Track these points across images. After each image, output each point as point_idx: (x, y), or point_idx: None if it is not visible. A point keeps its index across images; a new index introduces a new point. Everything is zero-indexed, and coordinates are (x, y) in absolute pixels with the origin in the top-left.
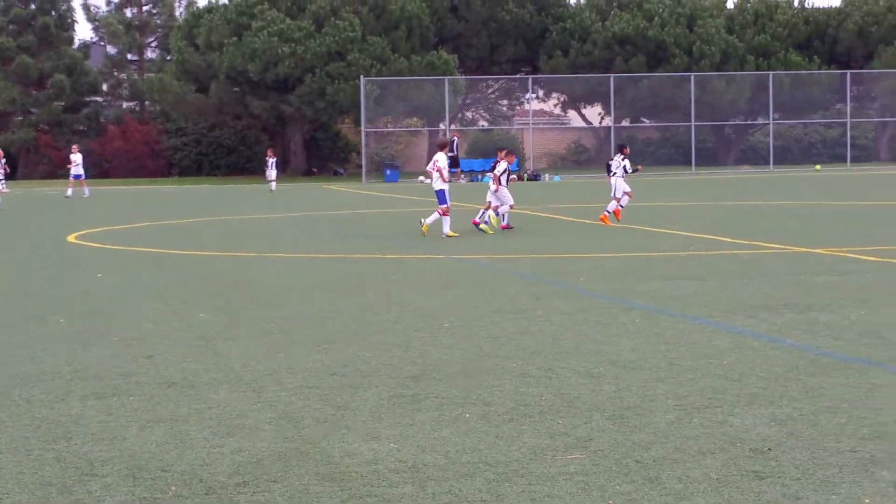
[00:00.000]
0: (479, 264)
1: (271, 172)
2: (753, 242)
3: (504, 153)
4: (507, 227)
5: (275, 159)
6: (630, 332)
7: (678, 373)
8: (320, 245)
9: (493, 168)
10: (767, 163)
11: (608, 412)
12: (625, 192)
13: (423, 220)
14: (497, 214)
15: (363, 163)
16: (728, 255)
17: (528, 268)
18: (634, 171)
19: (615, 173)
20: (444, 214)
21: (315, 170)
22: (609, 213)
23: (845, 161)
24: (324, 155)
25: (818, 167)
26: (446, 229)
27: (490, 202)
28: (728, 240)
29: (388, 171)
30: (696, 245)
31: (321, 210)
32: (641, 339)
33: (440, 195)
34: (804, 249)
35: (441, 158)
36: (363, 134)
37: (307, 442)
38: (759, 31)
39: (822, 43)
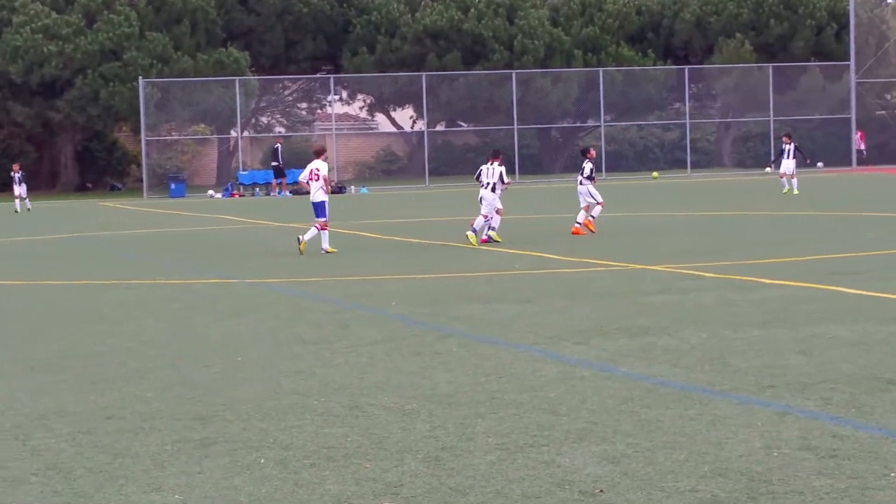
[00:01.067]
0: (277, 289)
1: (20, 188)
2: (583, 259)
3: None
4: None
5: (21, 174)
6: (446, 362)
7: (500, 408)
8: (93, 270)
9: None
10: (599, 170)
11: (422, 454)
12: (597, 202)
13: (300, 237)
14: (476, 230)
15: (144, 176)
16: (555, 274)
17: (333, 292)
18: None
19: (581, 181)
20: (323, 228)
21: (89, 185)
22: (580, 225)
23: (685, 167)
24: (99, 168)
25: (655, 174)
26: (325, 245)
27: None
28: (555, 257)
29: (173, 185)
30: (519, 263)
31: (95, 230)
32: (459, 371)
33: (320, 208)
34: (639, 266)
35: (323, 167)
36: (143, 143)
37: (80, 495)
38: (587, 22)
39: (657, 36)
